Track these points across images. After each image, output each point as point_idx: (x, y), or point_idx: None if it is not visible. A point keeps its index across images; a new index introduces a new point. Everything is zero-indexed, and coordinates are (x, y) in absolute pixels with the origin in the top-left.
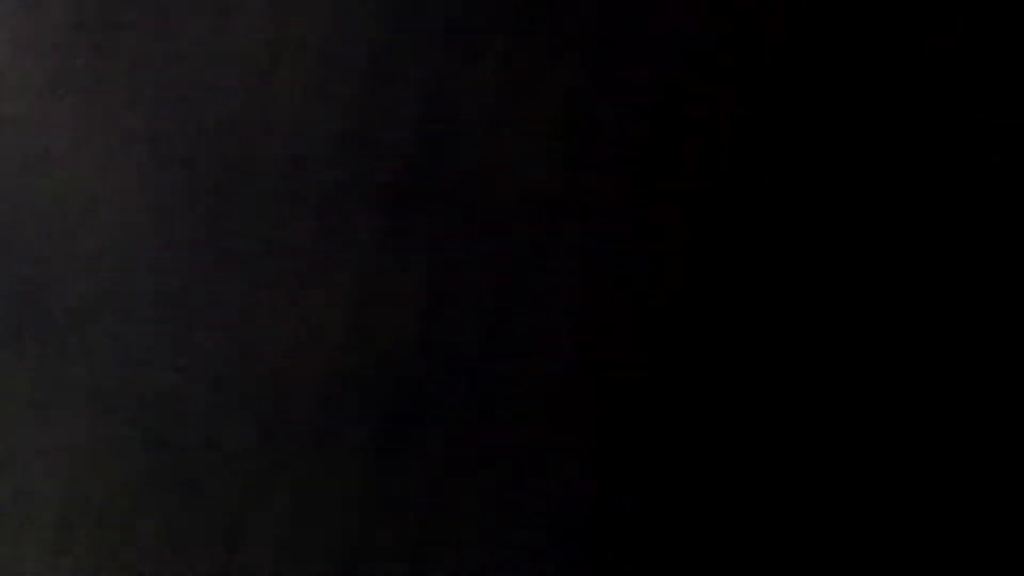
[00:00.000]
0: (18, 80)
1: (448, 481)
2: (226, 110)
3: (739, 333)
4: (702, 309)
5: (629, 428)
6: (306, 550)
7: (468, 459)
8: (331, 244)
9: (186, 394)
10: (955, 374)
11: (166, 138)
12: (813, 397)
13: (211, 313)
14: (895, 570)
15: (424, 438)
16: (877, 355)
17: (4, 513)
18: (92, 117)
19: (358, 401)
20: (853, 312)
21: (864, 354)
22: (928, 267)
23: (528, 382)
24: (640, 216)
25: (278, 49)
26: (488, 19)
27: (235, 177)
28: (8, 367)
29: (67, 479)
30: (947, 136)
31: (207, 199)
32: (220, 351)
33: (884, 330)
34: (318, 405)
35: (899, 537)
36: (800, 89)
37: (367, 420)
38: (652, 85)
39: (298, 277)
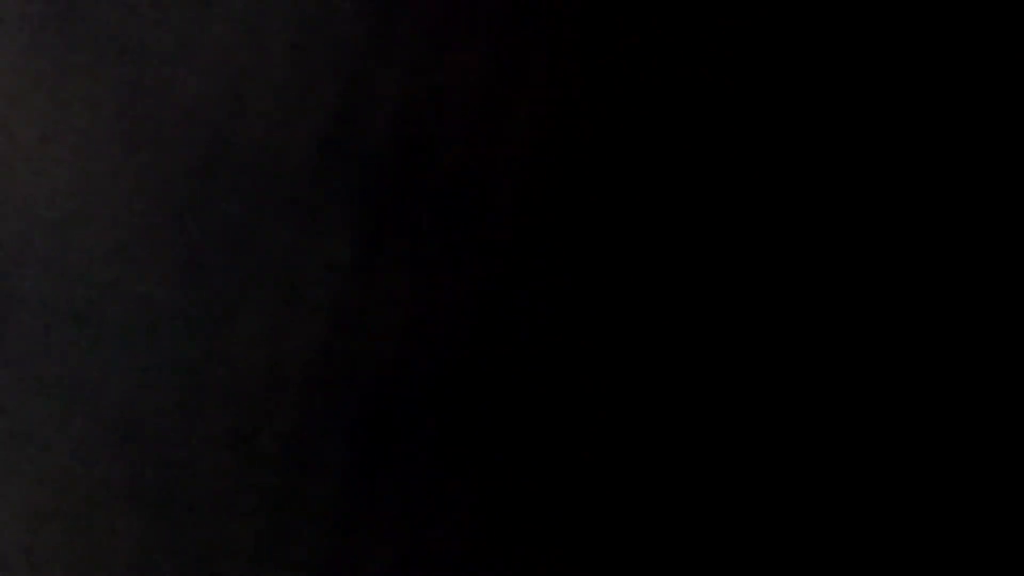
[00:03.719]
0: None
1: (428, 495)
2: (199, 113)
3: (740, 338)
4: (699, 314)
5: (617, 440)
6: (282, 565)
7: (450, 472)
8: (308, 251)
9: (158, 405)
10: (955, 373)
11: (137, 135)
12: (814, 415)
13: (183, 323)
14: (895, 570)
15: (403, 451)
16: (872, 355)
17: None
18: (60, 116)
19: (335, 413)
20: (850, 316)
21: (860, 355)
22: (926, 266)
23: (512, 393)
24: (630, 220)
25: (254, 47)
26: (470, 19)
27: (208, 181)
28: None
29: (36, 491)
30: (944, 133)
31: (179, 203)
32: (193, 362)
33: (878, 330)
34: (294, 417)
35: (899, 537)
36: (803, 85)
37: (344, 432)
38: (643, 82)
39: (273, 285)
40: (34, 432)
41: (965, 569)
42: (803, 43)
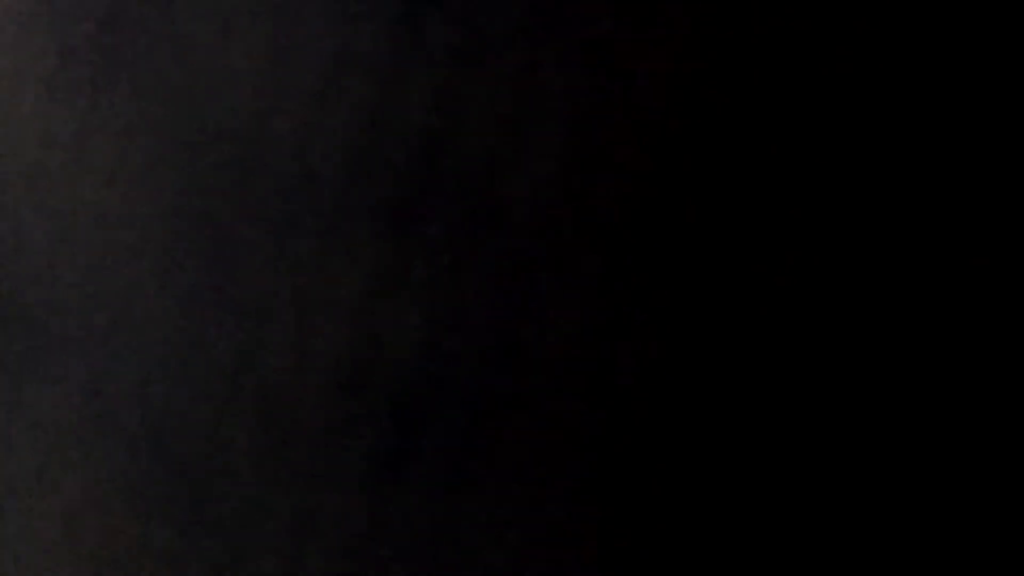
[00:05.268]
0: (19, 86)
1: (452, 495)
2: (230, 119)
3: (755, 339)
4: (716, 318)
5: (635, 441)
6: (308, 564)
7: (472, 472)
8: (334, 255)
9: (186, 407)
10: (955, 373)
11: (169, 146)
12: (822, 418)
13: (212, 325)
14: (894, 570)
15: (428, 451)
16: (873, 357)
17: (5, 529)
18: (93, 123)
19: (361, 414)
20: (852, 317)
21: (860, 355)
22: (930, 267)
23: (533, 394)
24: (649, 223)
25: (281, 64)
26: (493, 28)
27: (238, 187)
28: (7, 378)
29: (68, 493)
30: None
31: (210, 207)
32: (221, 363)
33: (879, 332)
34: (321, 418)
35: (899, 537)
36: (809, 88)
37: (370, 433)
38: (658, 88)
39: (301, 288)
40: (66, 439)
41: (965, 569)
42: (806, 45)
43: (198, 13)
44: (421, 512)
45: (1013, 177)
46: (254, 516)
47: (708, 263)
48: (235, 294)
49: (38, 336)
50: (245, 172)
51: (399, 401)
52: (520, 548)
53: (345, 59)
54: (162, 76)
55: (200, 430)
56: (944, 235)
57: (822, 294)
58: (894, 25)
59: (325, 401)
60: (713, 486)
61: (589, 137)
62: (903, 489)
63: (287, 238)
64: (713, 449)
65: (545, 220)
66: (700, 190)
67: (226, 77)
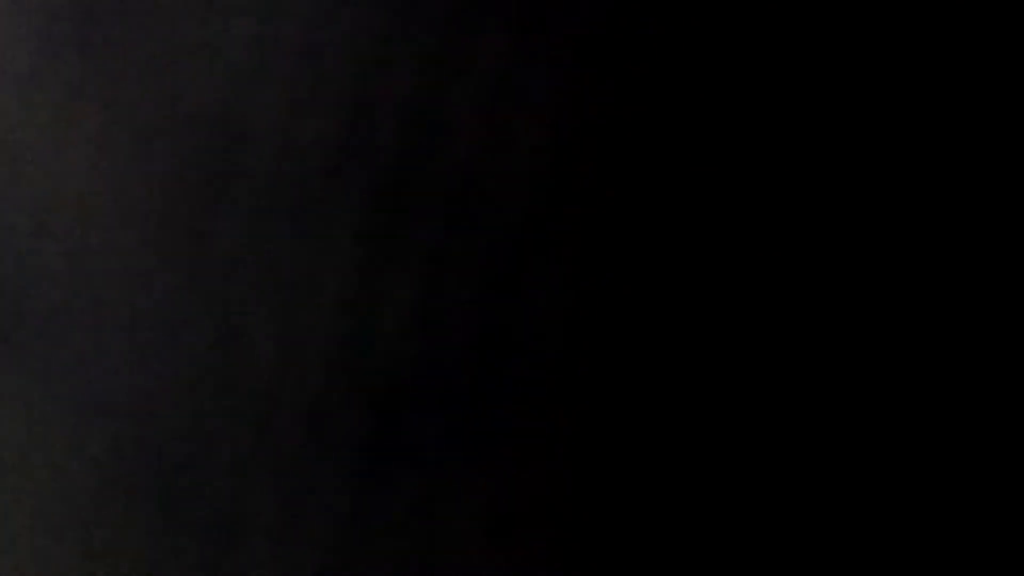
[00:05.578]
0: None
1: (441, 489)
2: (210, 111)
3: (742, 336)
4: (702, 310)
5: (625, 431)
6: (295, 562)
7: (461, 466)
8: (318, 248)
9: (170, 403)
10: (955, 373)
11: (150, 136)
12: (815, 413)
13: (195, 320)
14: (894, 570)
15: (416, 446)
16: (874, 357)
17: None
18: (72, 117)
19: (347, 409)
20: (853, 315)
21: (862, 356)
22: (931, 268)
23: (521, 387)
24: (636, 217)
25: (264, 50)
26: (479, 20)
27: (219, 179)
28: None
29: (48, 489)
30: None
31: (190, 201)
32: (205, 359)
33: (880, 332)
34: (306, 414)
35: (898, 537)
36: (804, 88)
37: (357, 428)
38: (646, 84)
39: (284, 282)
40: (45, 430)
41: (965, 569)
42: (803, 44)
43: (179, 2)
44: (409, 508)
45: (1013, 177)
46: (239, 511)
47: (695, 256)
48: (218, 285)
49: (17, 326)
50: (227, 162)
51: (384, 395)
52: (510, 542)
53: (328, 48)
54: (143, 67)
55: (181, 423)
56: (941, 234)
57: (814, 289)
58: (891, 24)
59: (310, 394)
60: (709, 481)
61: (575, 131)
62: (897, 486)
63: (270, 228)
64: (708, 443)
65: (532, 213)
66: (688, 185)
67: (208, 68)
